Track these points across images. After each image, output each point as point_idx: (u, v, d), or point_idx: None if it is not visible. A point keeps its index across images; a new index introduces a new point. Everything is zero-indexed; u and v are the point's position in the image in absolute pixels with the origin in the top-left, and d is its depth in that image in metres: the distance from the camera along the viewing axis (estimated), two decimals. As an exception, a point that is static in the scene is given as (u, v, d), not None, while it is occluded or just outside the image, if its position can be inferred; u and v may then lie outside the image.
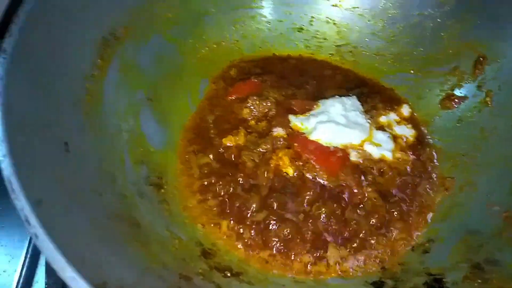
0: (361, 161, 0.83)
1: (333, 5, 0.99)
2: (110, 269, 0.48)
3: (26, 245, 0.81)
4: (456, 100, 0.90)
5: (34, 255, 0.81)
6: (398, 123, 0.91)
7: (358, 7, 0.98)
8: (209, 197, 0.78)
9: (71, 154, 0.60)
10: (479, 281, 0.61)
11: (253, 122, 0.89)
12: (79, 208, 0.54)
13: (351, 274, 0.71)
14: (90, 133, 0.68)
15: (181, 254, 0.65)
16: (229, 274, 0.66)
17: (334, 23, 1.00)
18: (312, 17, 1.01)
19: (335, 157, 0.83)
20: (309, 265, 0.72)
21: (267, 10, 1.01)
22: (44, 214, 0.46)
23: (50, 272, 0.78)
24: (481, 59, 0.87)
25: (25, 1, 0.59)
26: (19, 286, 0.77)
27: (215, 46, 0.98)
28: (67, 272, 0.42)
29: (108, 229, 0.57)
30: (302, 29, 1.03)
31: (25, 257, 0.80)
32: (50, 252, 0.43)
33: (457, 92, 0.90)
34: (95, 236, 0.53)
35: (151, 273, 0.55)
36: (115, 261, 0.51)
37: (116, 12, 0.77)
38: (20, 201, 0.46)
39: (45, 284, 0.77)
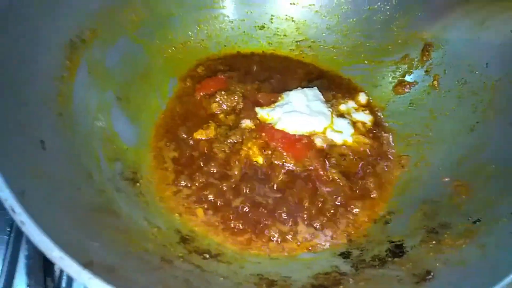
0: (325, 146, 0.89)
1: (291, 3, 1.05)
2: (94, 252, 0.51)
3: (4, 250, 0.82)
4: (407, 86, 0.97)
5: (12, 260, 0.81)
6: (356, 110, 0.98)
7: (314, 4, 1.04)
8: (184, 188, 0.82)
9: (48, 152, 0.62)
10: (434, 242, 0.67)
11: (222, 116, 0.93)
12: (60, 200, 0.57)
13: (320, 248, 0.76)
14: (64, 132, 0.70)
15: (161, 240, 0.68)
16: (208, 256, 0.70)
17: (293, 20, 1.06)
18: (272, 15, 1.06)
19: (301, 143, 0.88)
20: (282, 243, 0.77)
21: (229, 10, 1.05)
22: (28, 203, 0.48)
23: (32, 273, 0.79)
24: (428, 46, 0.94)
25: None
26: (-1, 289, 0.78)
27: (181, 46, 1.01)
28: (54, 253, 0.45)
29: (89, 219, 0.60)
30: (263, 27, 1.08)
31: (4, 262, 0.80)
32: (36, 235, 0.46)
33: (408, 78, 0.98)
34: (77, 225, 0.55)
35: (133, 256, 0.58)
36: (98, 246, 0.53)
37: (82, 15, 0.80)
38: (4, 192, 0.48)
39: (27, 286, 0.78)
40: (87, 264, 0.46)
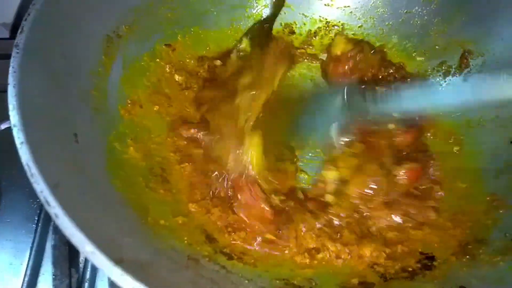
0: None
1: (325, 4, 1.03)
2: (125, 248, 0.51)
3: (32, 239, 0.83)
4: (444, 93, 0.94)
5: (39, 249, 0.83)
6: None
7: (349, 6, 1.02)
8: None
9: (81, 146, 0.63)
10: (468, 257, 0.65)
11: None
12: (93, 194, 0.58)
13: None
14: (97, 126, 0.71)
15: (188, 239, 0.68)
16: (234, 257, 0.69)
17: (327, 22, 1.04)
18: (305, 15, 1.04)
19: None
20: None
21: (262, 10, 1.04)
22: (62, 196, 0.49)
23: (57, 264, 0.80)
24: (467, 54, 0.91)
25: (34, 1, 0.62)
26: (26, 278, 0.79)
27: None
28: (87, 247, 0.45)
29: (120, 215, 0.60)
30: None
31: (31, 250, 0.82)
32: (70, 229, 0.46)
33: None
34: (108, 219, 0.56)
35: (161, 254, 0.58)
36: (128, 241, 0.54)
37: (120, 11, 0.81)
38: (39, 184, 0.49)
39: (52, 275, 0.80)
40: (119, 260, 0.46)
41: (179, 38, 0.95)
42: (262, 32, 0.98)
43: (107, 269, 0.45)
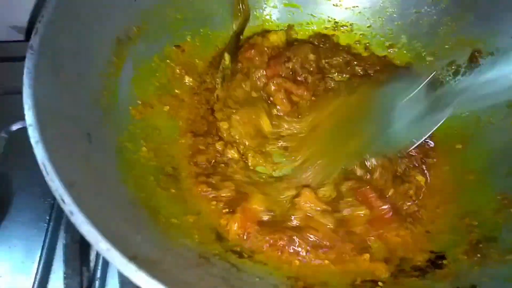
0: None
1: (334, 5, 1.03)
2: (138, 245, 0.52)
3: (43, 238, 0.84)
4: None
5: (50, 248, 0.84)
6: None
7: (357, 6, 1.02)
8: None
9: (94, 145, 0.64)
10: (479, 255, 0.65)
11: None
12: (105, 193, 0.58)
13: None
14: (108, 127, 0.72)
15: (199, 237, 0.68)
16: (245, 256, 0.70)
17: (336, 22, 1.04)
18: (314, 16, 1.05)
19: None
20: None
21: (270, 11, 1.05)
22: (77, 194, 0.50)
23: (69, 262, 0.81)
24: (476, 53, 0.91)
25: (47, 3, 0.63)
26: (38, 276, 0.80)
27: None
28: (101, 244, 0.46)
29: (132, 213, 0.61)
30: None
31: (42, 249, 0.83)
32: (85, 226, 0.47)
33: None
34: (121, 217, 0.57)
35: (173, 252, 0.59)
36: (140, 239, 0.54)
37: (130, 13, 0.82)
38: (54, 182, 0.50)
39: (64, 273, 0.80)
40: (132, 257, 0.46)
41: (188, 39, 0.95)
42: (237, 43, 0.97)
43: (122, 265, 0.45)
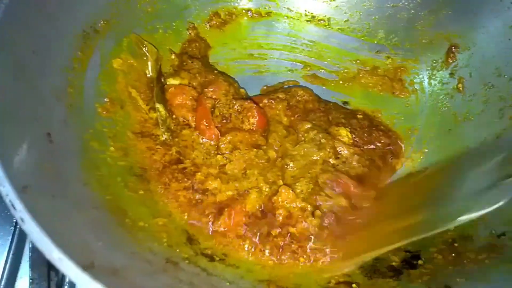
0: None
1: (310, -2, 1.01)
2: (97, 252, 0.49)
3: (9, 242, 0.81)
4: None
5: (17, 252, 0.80)
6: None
7: (335, 0, 1.00)
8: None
9: (54, 145, 0.61)
10: (453, 254, 0.64)
11: None
12: (64, 196, 0.55)
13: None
14: (72, 125, 0.68)
15: (168, 241, 0.66)
16: (216, 259, 0.68)
17: (312, 16, 1.02)
18: (290, 9, 1.02)
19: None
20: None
21: (246, 4, 1.02)
22: (29, 200, 0.47)
23: (35, 267, 0.78)
24: (453, 47, 0.90)
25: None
26: (2, 282, 0.77)
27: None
28: (54, 254, 0.43)
29: (94, 217, 0.58)
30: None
31: (8, 253, 0.80)
32: (36, 234, 0.44)
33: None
34: (81, 222, 0.54)
35: (138, 257, 0.56)
36: (101, 245, 0.52)
37: (96, 5, 0.78)
38: (5, 187, 0.46)
39: (30, 279, 0.77)
40: (88, 267, 0.44)
41: (160, 32, 0.92)
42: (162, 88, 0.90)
43: (75, 276, 0.42)
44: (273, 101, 0.92)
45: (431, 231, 0.63)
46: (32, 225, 0.44)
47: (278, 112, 0.91)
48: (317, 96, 0.97)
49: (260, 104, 0.91)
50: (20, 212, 0.45)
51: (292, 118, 0.91)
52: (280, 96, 0.93)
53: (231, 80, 0.96)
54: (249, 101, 0.90)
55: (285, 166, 0.82)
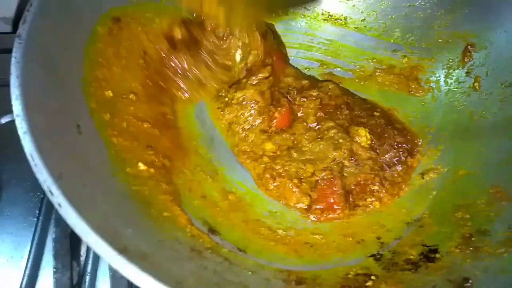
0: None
1: (327, -2, 1.03)
2: (128, 238, 0.51)
3: (33, 232, 0.83)
4: (447, 85, 0.94)
5: (40, 243, 0.83)
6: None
7: (351, -1, 1.01)
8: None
9: (83, 136, 0.63)
10: (471, 248, 0.65)
11: None
12: (95, 186, 0.57)
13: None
14: (99, 118, 0.70)
15: (190, 230, 0.67)
16: (237, 249, 0.69)
17: (329, 15, 1.03)
18: (307, 9, 1.04)
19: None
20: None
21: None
22: (65, 186, 0.49)
23: (58, 257, 0.80)
24: (470, 47, 0.91)
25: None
26: (27, 271, 0.79)
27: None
28: (90, 237, 0.45)
29: (123, 206, 0.60)
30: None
31: (32, 244, 0.82)
32: (73, 219, 0.46)
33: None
34: (110, 210, 0.55)
35: (165, 245, 0.58)
36: (131, 232, 0.53)
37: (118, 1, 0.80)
38: (42, 174, 0.48)
39: (53, 268, 0.79)
40: (122, 250, 0.45)
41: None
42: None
43: (111, 258, 0.44)
44: (305, 99, 0.93)
45: None
46: (69, 210, 0.46)
47: (310, 111, 0.92)
48: (345, 90, 0.99)
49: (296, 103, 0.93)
50: (58, 197, 0.47)
51: (318, 115, 0.92)
52: (313, 94, 0.94)
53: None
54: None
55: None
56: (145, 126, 0.78)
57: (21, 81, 0.54)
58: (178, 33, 0.85)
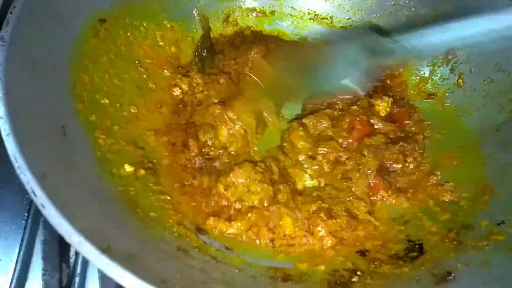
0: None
1: (313, -3, 1.03)
2: (112, 238, 0.51)
3: (21, 235, 0.83)
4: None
5: (29, 245, 0.82)
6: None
7: (337, -2, 1.02)
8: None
9: (68, 138, 0.63)
10: (455, 243, 0.66)
11: None
12: (79, 186, 0.57)
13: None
14: (84, 120, 0.70)
15: (177, 230, 0.68)
16: (224, 247, 0.70)
17: (315, 14, 1.04)
18: (294, 8, 1.05)
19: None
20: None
21: (250, 3, 1.04)
22: (48, 187, 0.49)
23: (47, 258, 0.80)
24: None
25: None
26: (16, 273, 0.79)
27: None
28: (73, 237, 0.45)
29: (108, 207, 0.60)
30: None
31: (20, 246, 0.81)
32: (56, 219, 0.46)
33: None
34: (95, 211, 0.56)
35: (151, 244, 0.58)
36: (116, 232, 0.54)
37: (104, 2, 0.80)
38: (25, 175, 0.49)
39: (42, 270, 0.79)
40: (106, 250, 0.46)
41: (168, 27, 0.95)
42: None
43: (95, 258, 0.45)
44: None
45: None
46: (52, 210, 0.47)
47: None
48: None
49: None
50: (41, 198, 0.47)
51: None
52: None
53: None
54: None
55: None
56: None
57: (4, 83, 0.54)
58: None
